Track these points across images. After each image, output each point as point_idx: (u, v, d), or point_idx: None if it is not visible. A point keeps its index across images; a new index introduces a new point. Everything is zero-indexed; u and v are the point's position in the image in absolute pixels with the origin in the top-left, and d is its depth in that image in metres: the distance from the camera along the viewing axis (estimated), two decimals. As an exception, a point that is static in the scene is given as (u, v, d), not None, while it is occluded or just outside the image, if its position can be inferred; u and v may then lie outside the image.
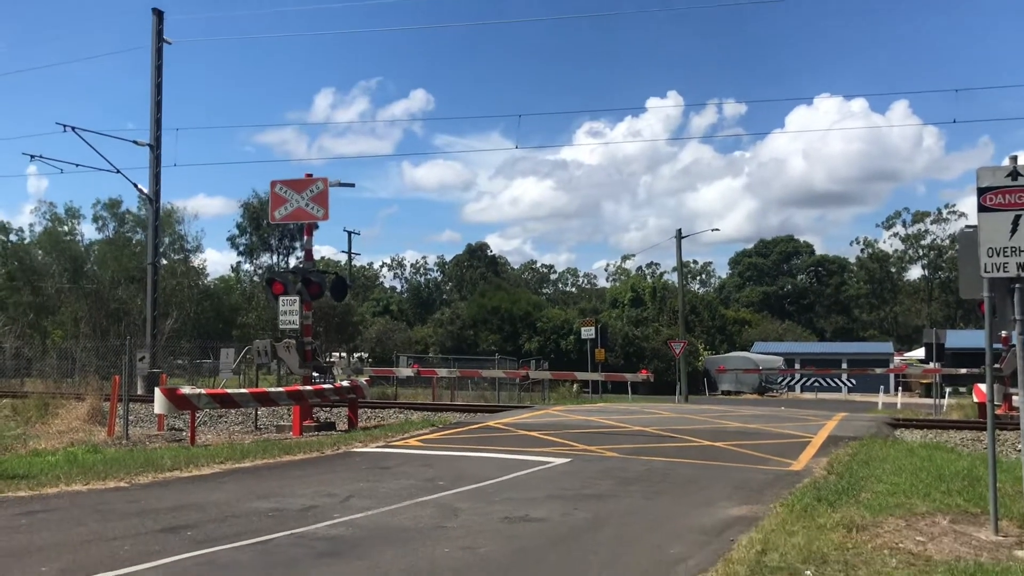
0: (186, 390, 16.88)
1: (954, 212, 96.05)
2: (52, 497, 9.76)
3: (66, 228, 51.64)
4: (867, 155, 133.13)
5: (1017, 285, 7.67)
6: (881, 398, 43.91)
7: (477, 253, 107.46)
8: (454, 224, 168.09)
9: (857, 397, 52.41)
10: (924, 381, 48.14)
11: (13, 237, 52.74)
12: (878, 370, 49.09)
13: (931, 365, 32.14)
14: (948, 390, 38.53)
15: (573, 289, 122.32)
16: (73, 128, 28.31)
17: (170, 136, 30.97)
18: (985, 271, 7.74)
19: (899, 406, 39.16)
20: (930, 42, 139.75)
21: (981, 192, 7.77)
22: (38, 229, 52.36)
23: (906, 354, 66.22)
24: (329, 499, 9.55)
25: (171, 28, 30.81)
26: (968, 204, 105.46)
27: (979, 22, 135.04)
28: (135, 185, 31.52)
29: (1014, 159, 7.69)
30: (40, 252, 50.84)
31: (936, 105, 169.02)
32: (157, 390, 16.77)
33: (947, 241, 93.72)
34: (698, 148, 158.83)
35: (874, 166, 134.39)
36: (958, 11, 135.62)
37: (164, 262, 44.33)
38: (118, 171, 30.25)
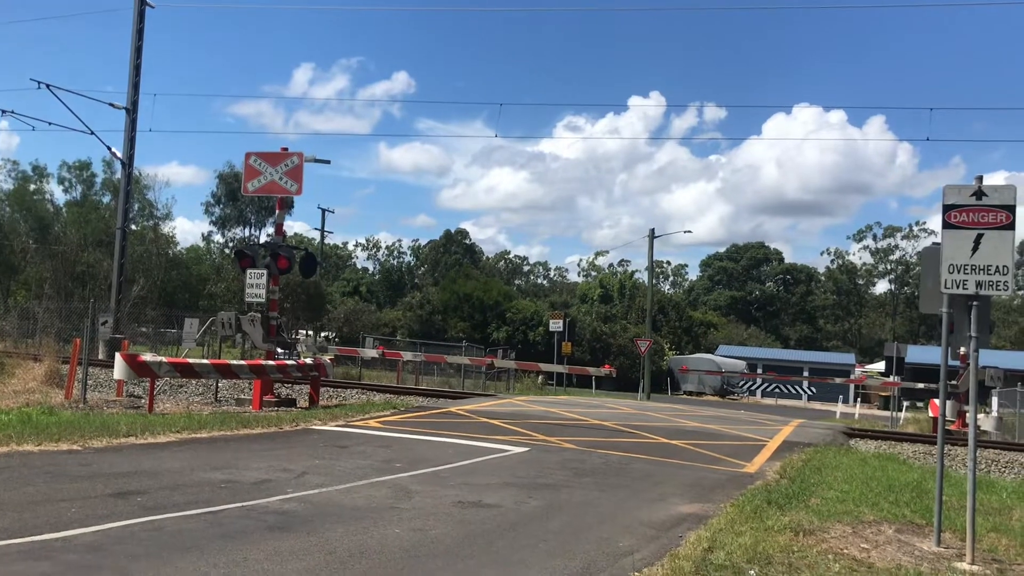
0: (147, 357, 16.74)
1: (925, 229, 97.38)
2: (1, 456, 9.65)
3: (34, 187, 50.84)
4: (841, 167, 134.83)
5: (975, 303, 7.80)
6: (840, 407, 44.52)
7: (455, 239, 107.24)
8: (429, 209, 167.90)
9: (816, 405, 53.06)
10: (883, 394, 48.82)
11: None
12: (838, 380, 49.76)
13: (891, 378, 32.59)
14: (906, 404, 39.12)
15: (545, 282, 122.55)
16: (48, 85, 27.89)
17: (147, 101, 30.64)
18: (945, 287, 7.86)
19: (857, 416, 39.71)
20: (908, 59, 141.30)
21: (946, 209, 7.89)
22: (5, 187, 51.53)
23: (868, 366, 67.11)
24: (284, 474, 9.53)
25: (154, -9, 30.37)
26: (938, 222, 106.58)
27: (954, 45, 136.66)
28: (109, 148, 31.16)
29: (980, 179, 7.82)
30: (8, 210, 50.02)
31: (911, 122, 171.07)
32: (117, 355, 16.61)
33: (915, 257, 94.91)
34: (675, 149, 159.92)
35: (847, 178, 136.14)
36: (934, 31, 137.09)
37: (134, 228, 43.81)
38: (92, 132, 29.89)
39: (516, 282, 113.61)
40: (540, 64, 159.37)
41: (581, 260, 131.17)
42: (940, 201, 7.91)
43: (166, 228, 54.66)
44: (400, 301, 78.53)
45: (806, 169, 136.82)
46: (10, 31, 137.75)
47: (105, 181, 51.01)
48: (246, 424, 13.92)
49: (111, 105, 29.98)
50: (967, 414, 21.52)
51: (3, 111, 28.49)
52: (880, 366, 56.06)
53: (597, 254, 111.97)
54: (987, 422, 23.13)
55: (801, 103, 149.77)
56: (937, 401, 22.97)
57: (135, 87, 30.00)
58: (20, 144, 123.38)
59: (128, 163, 30.31)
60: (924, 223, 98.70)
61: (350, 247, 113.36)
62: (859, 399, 51.21)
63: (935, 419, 22.87)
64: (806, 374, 59.91)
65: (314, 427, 14.36)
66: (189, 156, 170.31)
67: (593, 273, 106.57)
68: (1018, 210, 7.92)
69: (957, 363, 21.44)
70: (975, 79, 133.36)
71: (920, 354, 49.85)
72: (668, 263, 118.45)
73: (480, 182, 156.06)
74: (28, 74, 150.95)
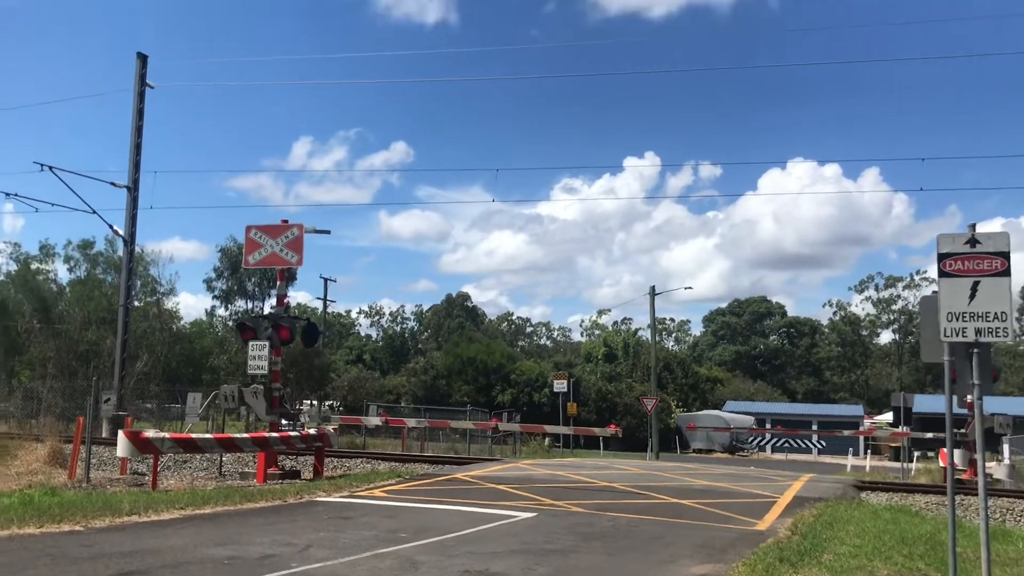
0: (150, 433, 16.65)
1: (926, 278, 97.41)
2: (2, 540, 9.54)
3: (37, 267, 51.18)
4: (838, 219, 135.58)
5: (975, 350, 7.80)
6: (850, 460, 44.04)
7: (456, 303, 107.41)
8: (430, 274, 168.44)
9: (827, 459, 52.51)
10: (893, 444, 48.35)
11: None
12: (847, 432, 49.31)
13: (899, 429, 32.31)
14: (916, 454, 38.70)
15: (548, 342, 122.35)
16: (51, 167, 28.25)
17: (148, 178, 30.95)
18: (945, 335, 7.86)
19: (868, 469, 39.25)
20: (898, 111, 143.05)
21: (941, 258, 7.94)
22: (6, 270, 51.91)
23: (876, 417, 66.59)
24: (288, 548, 9.42)
25: (153, 72, 30.97)
26: (936, 270, 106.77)
27: (942, 95, 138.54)
28: (111, 227, 31.42)
29: (973, 227, 7.87)
30: (11, 291, 50.25)
31: (905, 173, 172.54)
32: (120, 433, 16.53)
33: (917, 306, 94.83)
34: (672, 207, 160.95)
35: (844, 230, 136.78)
36: (922, 83, 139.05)
37: (137, 304, 43.95)
38: (94, 212, 30.14)
39: (519, 343, 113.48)
40: (535, 129, 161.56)
41: (584, 319, 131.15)
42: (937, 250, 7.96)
43: (169, 303, 54.88)
44: (404, 367, 78.29)
45: (803, 222, 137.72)
46: (13, 116, 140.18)
47: (107, 259, 51.36)
48: (250, 498, 13.79)
49: (112, 184, 30.33)
50: (978, 462, 21.29)
51: (7, 194, 28.85)
52: (888, 417, 55.61)
53: (600, 313, 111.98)
54: (999, 470, 22.87)
55: (795, 158, 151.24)
56: (946, 450, 22.68)
57: (136, 166, 30.38)
58: (24, 225, 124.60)
59: (130, 241, 30.53)
60: (925, 272, 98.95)
61: (353, 315, 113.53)
62: (869, 451, 50.70)
63: (946, 469, 22.62)
64: (815, 427, 59.42)
65: (319, 499, 14.21)
66: (190, 231, 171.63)
67: (597, 332, 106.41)
68: (1013, 256, 7.97)
69: (964, 411, 21.27)
70: (964, 129, 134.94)
71: (928, 403, 49.50)
72: (671, 320, 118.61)
73: (480, 246, 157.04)
74: (31, 156, 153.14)
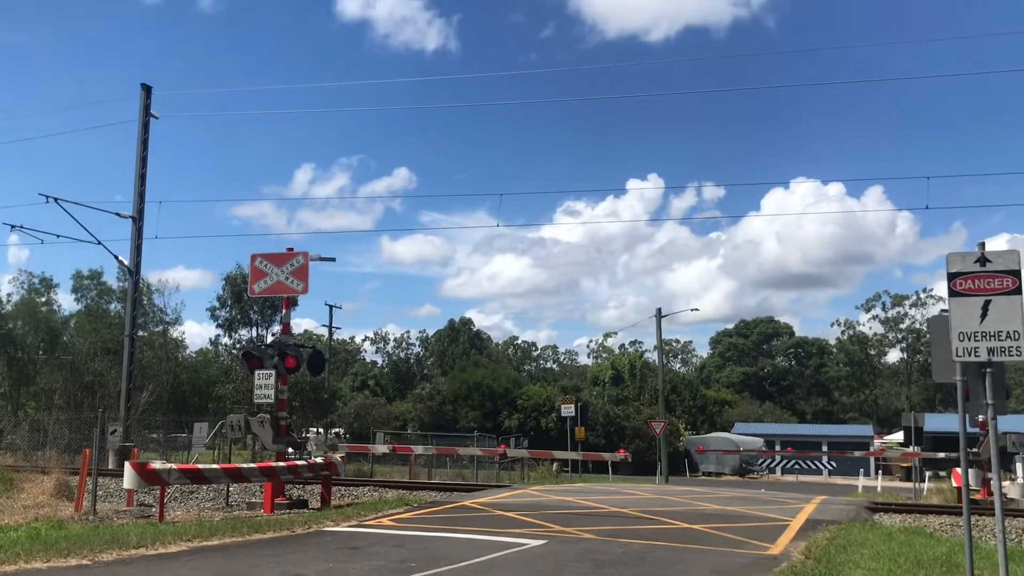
0: (156, 465, 16.56)
1: (932, 296, 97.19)
2: (9, 575, 9.46)
3: (43, 299, 51.31)
4: (842, 238, 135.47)
5: (988, 369, 7.72)
6: (861, 481, 43.72)
7: (460, 328, 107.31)
8: (433, 299, 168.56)
9: (837, 480, 52.14)
10: (904, 465, 48.01)
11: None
12: (858, 453, 48.91)
13: (910, 449, 32.06)
14: (928, 474, 38.39)
15: (555, 366, 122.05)
16: (56, 199, 28.33)
17: (153, 208, 31.05)
18: (956, 355, 7.79)
19: (879, 489, 38.94)
20: (902, 130, 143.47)
21: (951, 277, 7.88)
22: (16, 299, 52.04)
23: (886, 437, 66.22)
24: (297, 580, 9.31)
25: (157, 103, 31.13)
26: (944, 288, 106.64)
27: (945, 113, 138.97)
28: (116, 257, 31.45)
29: (982, 245, 7.82)
30: (18, 322, 50.38)
31: (909, 191, 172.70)
32: (127, 464, 16.44)
33: (925, 325, 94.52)
34: (675, 229, 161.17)
35: (849, 249, 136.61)
36: (926, 103, 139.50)
37: (142, 334, 43.98)
38: (99, 242, 30.22)
39: (526, 367, 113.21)
40: (537, 153, 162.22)
41: (590, 342, 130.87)
42: (944, 268, 7.90)
43: (175, 333, 54.99)
44: (410, 393, 78.17)
45: (807, 242, 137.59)
46: (18, 148, 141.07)
47: (107, 289, 51.50)
48: (258, 529, 13.69)
49: (117, 215, 30.43)
50: (992, 482, 21.09)
51: (12, 226, 28.91)
52: (899, 436, 55.23)
53: (606, 335, 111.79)
54: (1013, 489, 22.62)
55: (798, 177, 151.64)
56: (959, 470, 22.52)
57: (141, 196, 30.47)
58: (29, 256, 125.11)
59: (135, 271, 30.58)
60: (931, 290, 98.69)
61: (358, 341, 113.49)
62: (880, 471, 50.33)
63: (959, 489, 22.40)
64: (825, 448, 58.98)
65: (326, 528, 14.10)
66: (194, 260, 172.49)
67: (604, 355, 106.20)
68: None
69: (976, 430, 21.10)
70: (968, 146, 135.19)
71: (938, 422, 49.19)
72: (676, 341, 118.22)
73: (483, 270, 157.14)
74: (36, 188, 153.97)
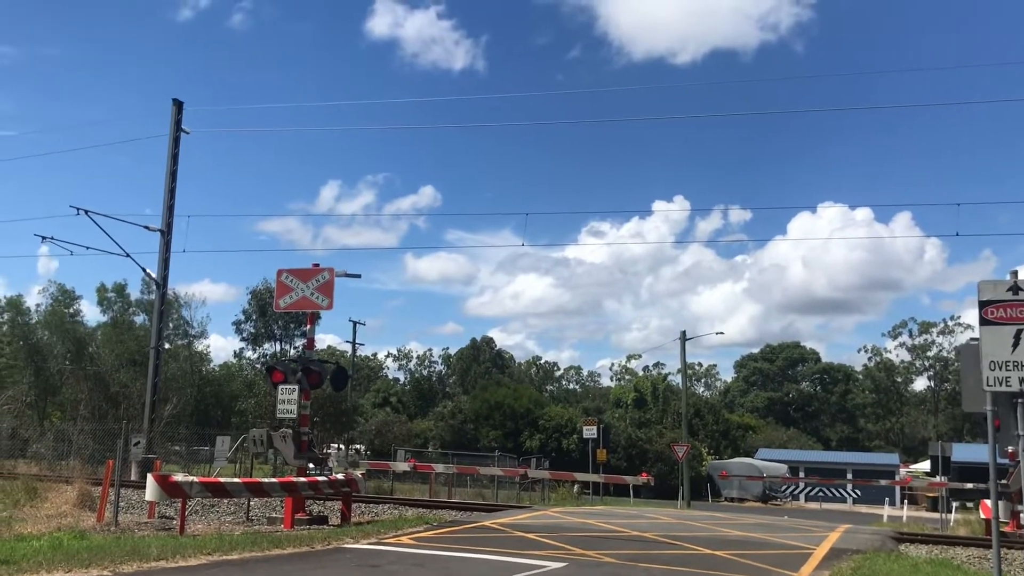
0: (178, 477, 16.62)
1: (960, 324, 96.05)
2: (31, 584, 9.50)
3: (70, 310, 51.85)
4: (869, 264, 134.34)
5: (1020, 400, 7.59)
6: (886, 510, 43.08)
7: (482, 347, 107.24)
8: (456, 317, 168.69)
9: (862, 508, 51.43)
10: (930, 495, 47.27)
11: (20, 317, 53.00)
12: (883, 482, 48.32)
13: (937, 479, 31.60)
14: (955, 505, 37.79)
15: (577, 387, 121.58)
16: (86, 211, 28.64)
17: (181, 222, 31.25)
18: (987, 384, 7.67)
19: (904, 519, 38.36)
20: (932, 156, 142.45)
21: (983, 305, 7.76)
22: (44, 309, 52.63)
23: (912, 466, 65.28)
24: (315, 597, 9.28)
25: (188, 118, 31.46)
26: (972, 316, 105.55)
27: (977, 139, 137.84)
28: (144, 270, 31.74)
29: (1015, 274, 7.70)
30: (45, 332, 50.92)
31: (939, 218, 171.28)
32: (149, 476, 16.52)
33: (953, 353, 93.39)
34: (700, 251, 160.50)
35: (876, 275, 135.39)
36: (957, 127, 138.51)
37: (167, 347, 44.30)
38: (127, 255, 30.47)
39: (548, 388, 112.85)
40: (563, 172, 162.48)
41: (613, 364, 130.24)
42: (973, 295, 7.81)
43: (200, 346, 55.37)
44: (431, 411, 78.10)
45: (834, 267, 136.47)
46: (51, 160, 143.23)
47: (137, 301, 51.96)
48: (277, 544, 13.68)
49: (146, 228, 30.71)
50: (1021, 515, 20.71)
51: (43, 238, 29.22)
52: (925, 466, 54.43)
53: (629, 357, 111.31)
54: (1043, 522, 22.18)
55: (826, 202, 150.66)
56: (988, 502, 22.13)
57: (170, 209, 30.75)
58: (58, 268, 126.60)
59: (162, 283, 30.83)
60: (959, 317, 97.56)
61: (380, 357, 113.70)
62: (906, 501, 49.60)
63: (987, 521, 21.99)
64: (849, 476, 58.28)
65: (346, 545, 14.06)
66: (219, 274, 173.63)
67: (627, 377, 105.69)
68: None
69: (1006, 461, 20.73)
70: (1000, 173, 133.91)
71: (966, 452, 48.46)
72: (699, 365, 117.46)
73: (506, 289, 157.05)
74: (67, 200, 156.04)
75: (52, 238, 29.40)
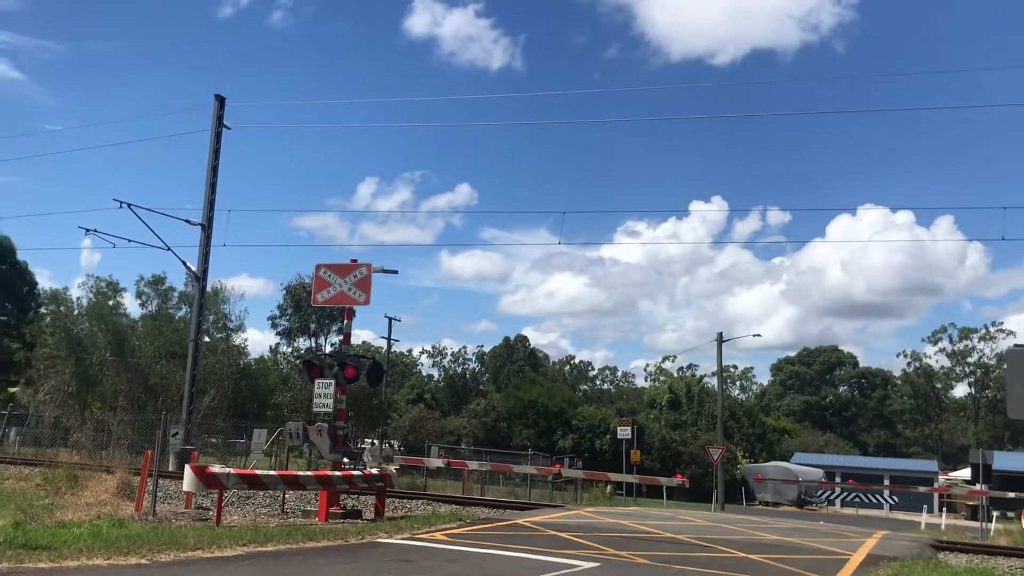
0: (215, 469, 16.79)
1: (1002, 330, 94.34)
2: (72, 571, 9.65)
3: (111, 302, 52.58)
4: (909, 268, 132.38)
5: (1070, 408, 7.41)
6: (924, 518, 42.46)
7: (516, 345, 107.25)
8: (490, 315, 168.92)
9: (899, 515, 50.75)
10: (970, 503, 46.49)
11: (62, 308, 53.92)
12: (922, 489, 47.53)
13: (978, 487, 31.04)
14: (996, 514, 37.11)
15: (611, 387, 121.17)
16: (129, 205, 29.02)
17: (222, 216, 31.49)
18: (1036, 391, 7.49)
19: (943, 527, 37.75)
20: (976, 159, 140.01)
21: (1032, 310, 7.59)
22: (86, 302, 53.46)
23: (951, 474, 64.23)
24: (349, 590, 9.32)
25: (229, 113, 31.73)
26: (1015, 322, 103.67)
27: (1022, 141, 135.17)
28: (184, 263, 32.08)
29: (1066, 278, 7.52)
30: (87, 324, 51.70)
31: (983, 222, 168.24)
32: (187, 467, 16.71)
33: (994, 359, 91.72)
34: (737, 252, 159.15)
35: (916, 279, 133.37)
36: (1001, 130, 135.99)
37: (206, 339, 44.79)
38: (168, 248, 30.83)
39: (581, 387, 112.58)
40: (601, 171, 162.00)
41: (648, 364, 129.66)
42: (1017, 301, 7.68)
43: (238, 339, 55.89)
44: (465, 408, 78.24)
45: (873, 271, 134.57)
46: (96, 154, 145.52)
47: (181, 295, 52.60)
48: (312, 537, 13.78)
49: (187, 222, 31.03)
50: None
51: (87, 230, 29.71)
52: (964, 473, 53.53)
53: (664, 358, 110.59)
54: (1087, 534, 21.74)
55: (866, 204, 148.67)
56: (1031, 511, 21.77)
57: (211, 204, 31.06)
58: (101, 260, 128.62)
59: (202, 277, 31.16)
60: (1001, 323, 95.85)
61: (415, 354, 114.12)
62: (944, 508, 48.81)
63: (1030, 531, 21.59)
64: (887, 482, 57.53)
65: (380, 540, 14.13)
66: (257, 268, 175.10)
67: (662, 378, 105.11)
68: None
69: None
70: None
71: (1008, 461, 47.64)
72: (735, 367, 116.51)
73: (540, 287, 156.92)
74: (111, 193, 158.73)
75: (95, 230, 29.84)
